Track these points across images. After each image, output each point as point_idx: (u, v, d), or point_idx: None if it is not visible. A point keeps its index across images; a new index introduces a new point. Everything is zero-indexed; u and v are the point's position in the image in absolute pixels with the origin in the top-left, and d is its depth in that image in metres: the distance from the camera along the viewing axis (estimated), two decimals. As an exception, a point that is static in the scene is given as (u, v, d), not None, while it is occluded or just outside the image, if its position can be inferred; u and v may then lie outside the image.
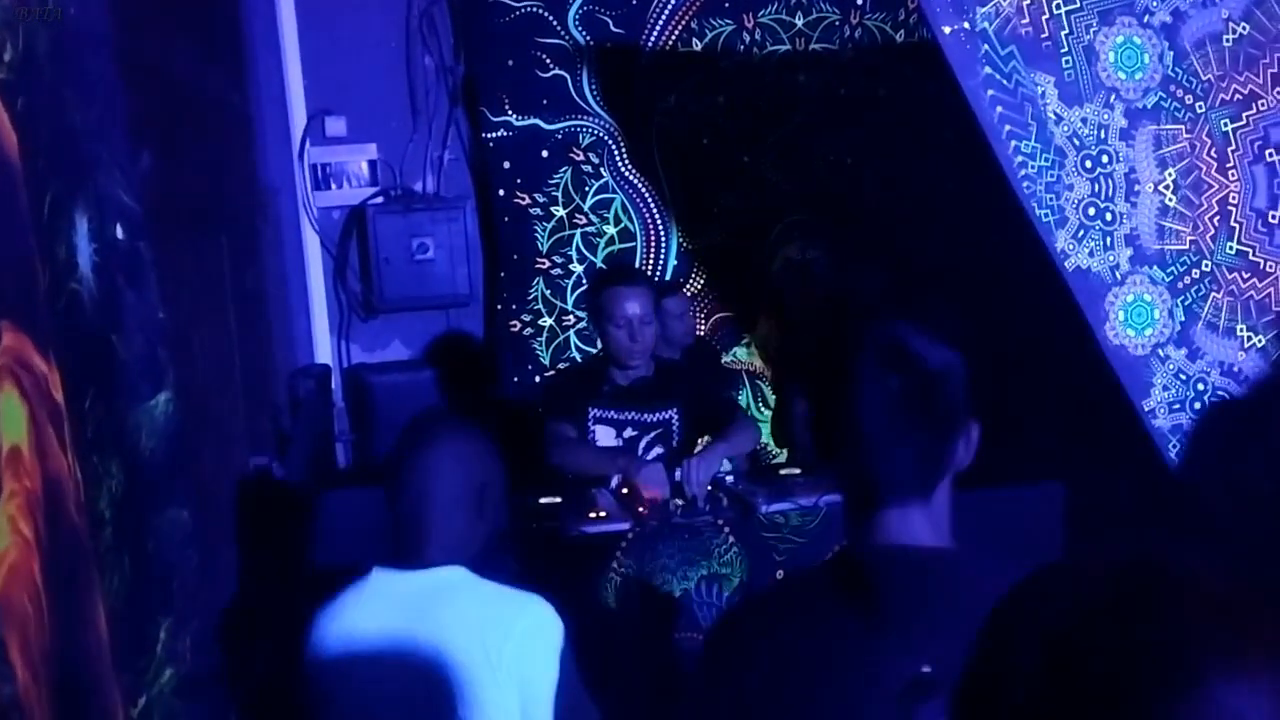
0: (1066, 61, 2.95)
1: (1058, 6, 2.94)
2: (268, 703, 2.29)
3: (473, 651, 1.94)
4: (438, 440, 2.07)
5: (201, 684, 1.92)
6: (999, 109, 2.91)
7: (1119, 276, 2.95)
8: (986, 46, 2.90)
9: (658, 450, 3.63)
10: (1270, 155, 3.07)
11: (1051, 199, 2.95)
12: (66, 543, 1.35)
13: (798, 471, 3.45)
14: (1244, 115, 3.07)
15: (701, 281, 5.20)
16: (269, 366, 4.10)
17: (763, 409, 5.23)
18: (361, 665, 1.95)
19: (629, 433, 3.65)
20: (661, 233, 5.14)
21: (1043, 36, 2.93)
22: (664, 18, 5.00)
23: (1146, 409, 2.89)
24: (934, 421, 1.41)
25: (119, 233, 1.68)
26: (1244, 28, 3.06)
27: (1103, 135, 2.97)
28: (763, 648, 1.42)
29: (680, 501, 3.22)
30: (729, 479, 3.38)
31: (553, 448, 3.45)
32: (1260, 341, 2.98)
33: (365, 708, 1.95)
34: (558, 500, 3.25)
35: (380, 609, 2.00)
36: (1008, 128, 2.91)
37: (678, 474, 3.30)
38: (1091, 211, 2.97)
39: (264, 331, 4.00)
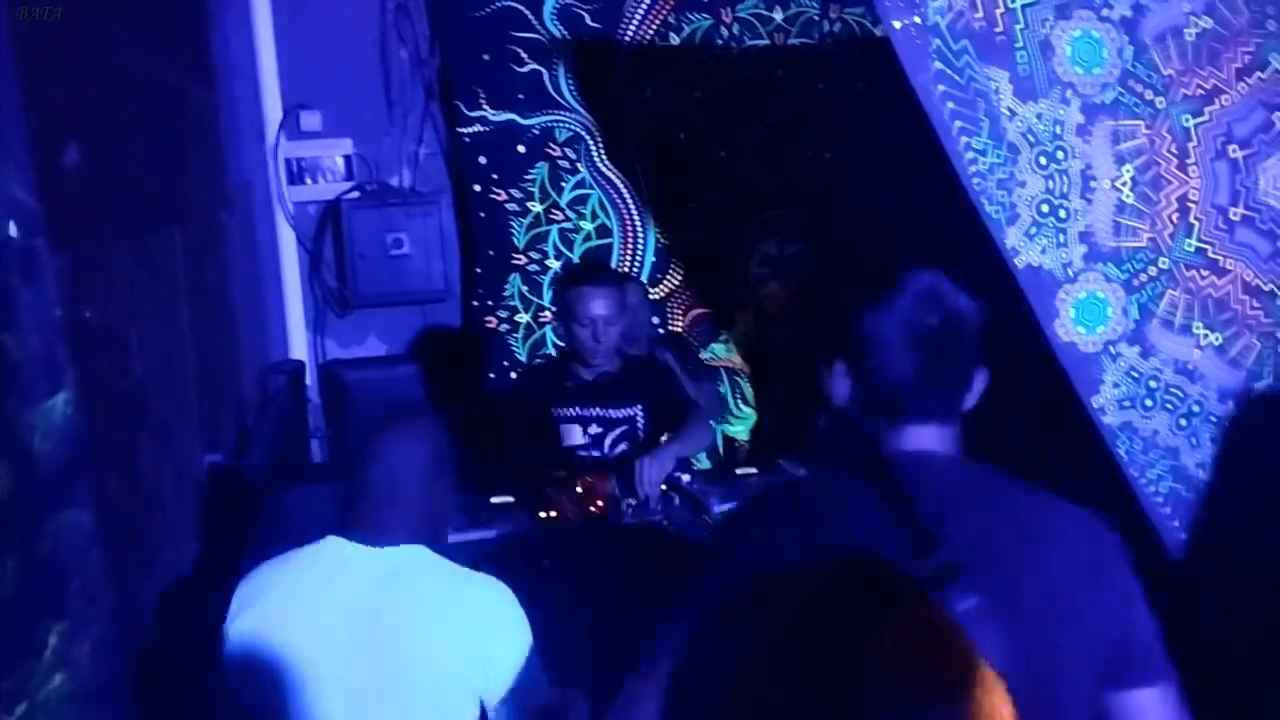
0: (1021, 56, 2.90)
1: (1012, 0, 2.90)
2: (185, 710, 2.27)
3: (434, 629, 1.99)
4: (406, 424, 2.19)
5: (102, 691, 1.90)
6: (950, 104, 2.87)
7: (1071, 274, 2.91)
8: (938, 41, 2.86)
9: (623, 447, 3.61)
10: (1233, 151, 3.01)
11: (1003, 195, 2.90)
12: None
13: (754, 471, 3.41)
14: (1206, 110, 3.01)
15: (679, 277, 5.16)
16: (235, 362, 4.08)
17: (742, 405, 5.19)
18: (313, 630, 1.98)
19: (594, 429, 3.63)
20: (639, 228, 5.11)
21: (996, 31, 2.88)
22: (641, 12, 4.96)
23: (1095, 405, 2.84)
24: (964, 354, 1.60)
25: (12, 230, 1.66)
26: (1207, 21, 3.00)
27: (1058, 131, 2.92)
28: (790, 536, 1.51)
29: (633, 501, 3.19)
30: (685, 479, 3.35)
31: (519, 451, 3.45)
32: (1216, 339, 2.93)
33: (306, 673, 1.96)
34: (510, 500, 3.23)
35: (338, 579, 2.03)
36: (959, 124, 2.86)
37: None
38: (1045, 208, 2.92)
39: (228, 327, 3.98)
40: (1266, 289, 3.02)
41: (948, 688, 0.79)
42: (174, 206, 3.28)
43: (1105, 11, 2.96)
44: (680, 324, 5.15)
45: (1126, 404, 2.85)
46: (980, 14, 2.88)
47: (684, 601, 1.51)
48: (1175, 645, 1.64)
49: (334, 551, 2.08)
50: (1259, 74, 3.03)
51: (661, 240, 5.13)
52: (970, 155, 2.84)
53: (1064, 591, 1.49)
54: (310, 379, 4.96)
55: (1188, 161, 3.01)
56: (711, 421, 4.02)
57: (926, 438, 1.58)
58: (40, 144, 1.90)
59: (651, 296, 4.92)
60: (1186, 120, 3.02)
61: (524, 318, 5.04)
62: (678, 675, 0.87)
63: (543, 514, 3.11)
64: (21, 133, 1.73)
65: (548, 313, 4.99)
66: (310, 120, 4.90)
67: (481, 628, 2.02)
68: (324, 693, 1.96)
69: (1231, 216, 3.01)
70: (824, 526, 1.51)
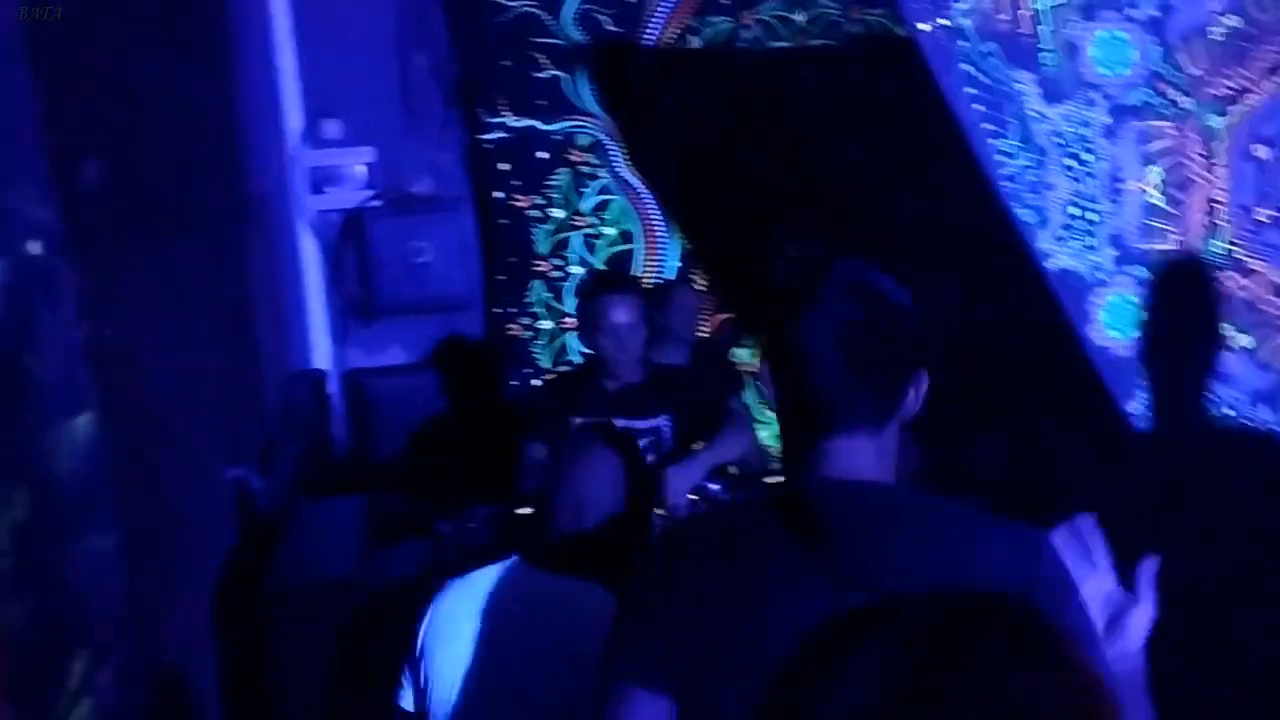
0: (1047, 58, 2.87)
1: (1038, 1, 2.86)
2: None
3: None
4: (597, 455, 2.15)
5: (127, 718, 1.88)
6: (978, 107, 2.84)
7: (1102, 276, 2.87)
8: (965, 44, 2.83)
9: (649, 459, 3.57)
10: (1259, 151, 2.97)
11: (1034, 198, 2.87)
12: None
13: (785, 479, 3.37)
14: (1233, 110, 2.97)
15: (703, 282, 5.14)
16: (257, 373, 4.08)
17: (766, 411, 5.16)
18: (483, 648, 1.96)
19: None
20: (662, 234, 5.09)
21: (1022, 32, 2.86)
22: (662, 15, 4.94)
23: (1131, 411, 2.81)
24: (892, 355, 1.42)
25: (33, 249, 1.65)
26: (1234, 20, 2.96)
27: (1085, 133, 2.89)
28: (702, 574, 1.40)
29: (661, 513, 3.16)
30: (713, 487, 3.32)
31: (526, 474, 3.41)
32: (1247, 341, 2.89)
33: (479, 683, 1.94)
34: (534, 511, 3.20)
35: (525, 610, 2.01)
36: (987, 126, 2.84)
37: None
38: (1075, 211, 2.89)
39: (250, 338, 3.98)
40: (1296, 291, 2.97)
41: None
42: (193, 219, 3.28)
43: (1131, 12, 2.92)
44: (705, 329, 5.12)
45: (1160, 409, 2.82)
46: (1006, 15, 2.85)
47: (622, 661, 1.39)
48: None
49: (521, 576, 2.06)
50: (1289, 72, 2.98)
51: (684, 245, 5.10)
52: (999, 158, 2.81)
53: None
54: (333, 388, 4.96)
55: (1215, 162, 2.97)
56: (752, 429, 3.97)
57: (854, 453, 1.41)
58: (59, 161, 1.89)
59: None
60: (1213, 120, 2.98)
61: (547, 324, 5.02)
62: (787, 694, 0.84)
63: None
64: (41, 151, 1.72)
65: (570, 319, 4.97)
66: (331, 128, 4.89)
67: None
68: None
69: (1258, 217, 2.97)
70: (741, 567, 1.38)
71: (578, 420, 3.55)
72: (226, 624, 2.43)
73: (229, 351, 3.51)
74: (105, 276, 2.21)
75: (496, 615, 2.00)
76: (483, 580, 2.06)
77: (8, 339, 1.56)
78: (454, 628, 2.00)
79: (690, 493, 3.26)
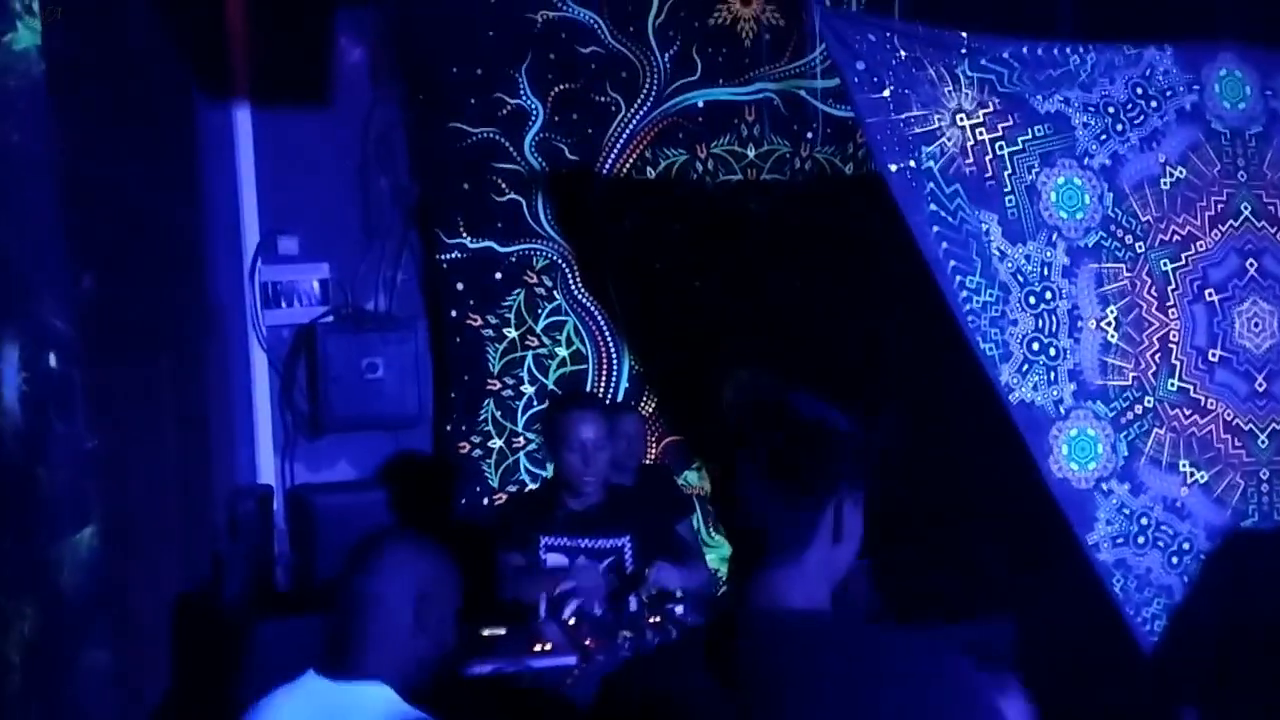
0: (1009, 200, 3.02)
1: (1000, 147, 3.02)
2: None
3: None
4: (382, 548, 2.05)
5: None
6: (944, 244, 2.96)
7: (1063, 411, 2.98)
8: (932, 184, 2.97)
9: (610, 579, 3.57)
10: (1209, 295, 3.13)
11: (996, 333, 2.98)
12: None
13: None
14: (1183, 255, 3.14)
15: (652, 405, 5.19)
16: (207, 487, 4.02)
17: (714, 534, 5.18)
18: None
19: (581, 560, 3.60)
20: (613, 355, 5.15)
21: (986, 176, 3.00)
22: (619, 146, 5.07)
23: (1090, 542, 2.90)
24: (802, 480, 1.42)
25: (52, 361, 1.65)
26: (1180, 171, 3.15)
27: (1045, 272, 3.03)
28: (646, 704, 1.40)
29: (628, 633, 3.16)
30: (678, 610, 3.33)
31: (504, 582, 3.41)
32: (1203, 477, 3.00)
33: None
34: (501, 632, 3.18)
35: (299, 714, 1.95)
36: (953, 263, 2.96)
37: (630, 601, 3.28)
38: (1035, 346, 3.00)
39: (203, 451, 3.93)
40: (1246, 428, 3.11)
41: None
42: (165, 332, 3.27)
43: (1086, 160, 3.09)
44: (653, 451, 5.15)
45: (1120, 541, 2.90)
46: (971, 160, 2.99)
47: None
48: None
49: (307, 687, 1.99)
50: (1231, 221, 3.18)
51: (635, 367, 5.16)
52: (965, 294, 2.93)
53: None
54: (277, 504, 4.88)
55: (1168, 304, 3.12)
56: (703, 557, 4.01)
57: (772, 588, 1.41)
58: (69, 273, 1.90)
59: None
60: (1165, 264, 3.14)
61: (497, 443, 5.02)
62: None
63: (537, 647, 3.06)
64: (63, 263, 1.73)
65: (522, 439, 4.98)
66: (288, 245, 4.90)
67: None
68: None
69: (1210, 358, 3.12)
70: (673, 699, 1.39)
71: (544, 539, 3.56)
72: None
73: (185, 463, 3.47)
74: (97, 389, 2.19)
75: None
76: (280, 696, 2.01)
77: (23, 451, 1.55)
78: None
79: (653, 616, 3.27)
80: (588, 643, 3.08)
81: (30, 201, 1.57)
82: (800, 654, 1.36)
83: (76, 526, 1.67)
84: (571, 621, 3.20)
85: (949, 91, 2.95)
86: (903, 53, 2.92)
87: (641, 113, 5.07)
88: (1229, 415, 3.06)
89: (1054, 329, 3.01)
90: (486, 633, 3.17)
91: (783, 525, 1.42)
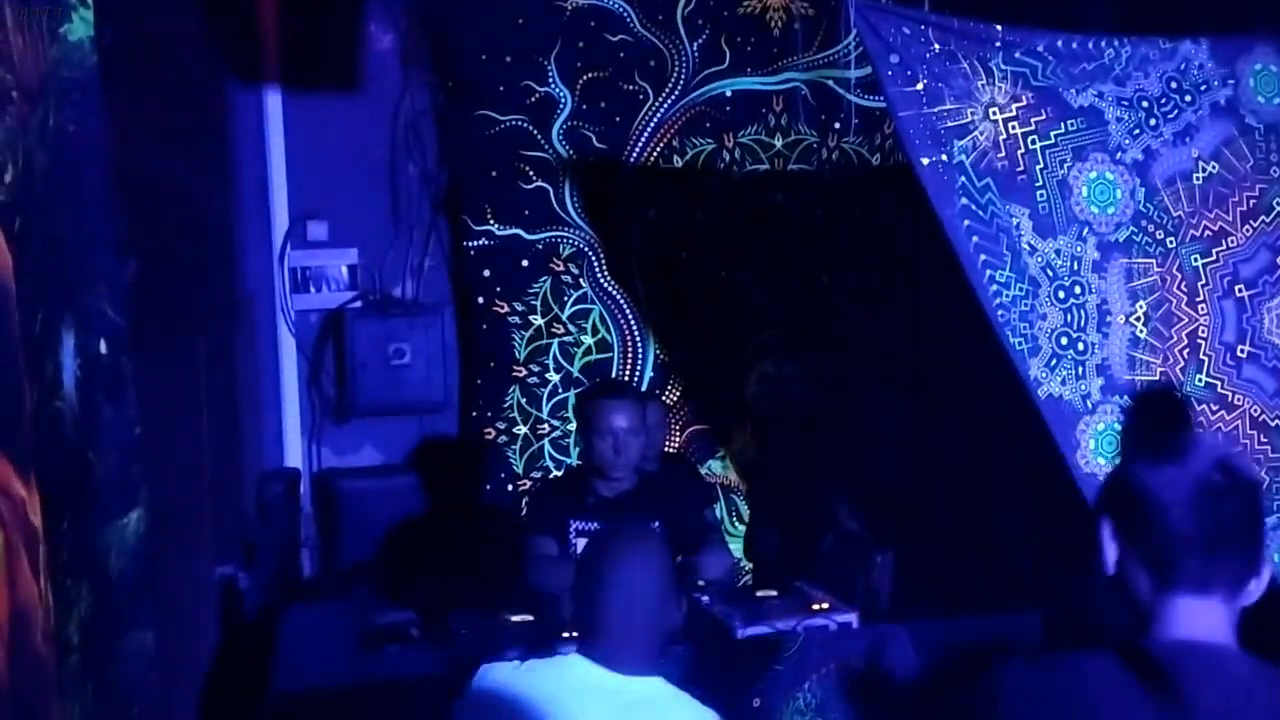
0: (1041, 195, 3.02)
1: (1033, 141, 3.02)
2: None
3: None
4: (639, 547, 2.20)
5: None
6: (975, 238, 2.97)
7: (1090, 405, 2.99)
8: (963, 178, 2.97)
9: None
10: (1239, 290, 3.13)
11: (1025, 328, 2.99)
12: (30, 674, 1.32)
13: (774, 594, 3.41)
14: (1214, 251, 3.14)
15: (677, 394, 5.21)
16: (238, 471, 4.06)
17: (737, 524, 5.20)
18: None
19: (612, 546, 3.62)
20: (639, 344, 5.17)
21: (1018, 170, 3.01)
22: (646, 135, 5.08)
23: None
24: (1251, 531, 1.48)
25: (102, 348, 1.68)
26: (1213, 166, 3.15)
27: (1075, 267, 3.03)
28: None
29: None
30: (705, 599, 3.35)
31: (531, 568, 3.43)
32: (1231, 474, 3.00)
33: None
34: (530, 618, 3.21)
35: (580, 701, 2.03)
36: (983, 257, 2.97)
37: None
38: (1064, 341, 3.01)
39: (233, 435, 3.97)
40: (1273, 424, 3.11)
41: None
42: (200, 317, 3.30)
43: (1119, 154, 3.09)
44: (677, 440, 5.18)
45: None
46: (1003, 154, 3.00)
47: None
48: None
49: (577, 671, 2.09)
50: (1264, 217, 3.17)
51: (660, 356, 5.18)
52: (995, 288, 2.93)
53: None
54: (304, 488, 4.92)
55: (1197, 300, 3.12)
56: (729, 552, 4.02)
57: (1203, 615, 1.44)
58: (120, 262, 1.93)
59: (650, 412, 4.94)
60: (1195, 260, 3.14)
61: (522, 430, 5.05)
62: None
63: (565, 634, 3.08)
64: (113, 250, 1.76)
65: (546, 425, 5.01)
66: (317, 230, 4.94)
67: None
68: None
69: (1239, 354, 3.12)
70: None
71: (574, 523, 3.58)
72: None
73: (217, 447, 3.51)
74: (139, 373, 2.22)
75: (556, 708, 2.02)
76: (540, 671, 2.10)
77: (78, 437, 1.58)
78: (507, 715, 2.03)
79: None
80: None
81: (85, 190, 1.60)
82: (1239, 696, 1.41)
83: (124, 510, 1.71)
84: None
85: (982, 85, 2.96)
86: (937, 46, 2.92)
87: (669, 101, 5.08)
88: (1255, 411, 3.06)
89: (1083, 324, 3.02)
90: (515, 619, 3.20)
91: (1218, 560, 1.45)
